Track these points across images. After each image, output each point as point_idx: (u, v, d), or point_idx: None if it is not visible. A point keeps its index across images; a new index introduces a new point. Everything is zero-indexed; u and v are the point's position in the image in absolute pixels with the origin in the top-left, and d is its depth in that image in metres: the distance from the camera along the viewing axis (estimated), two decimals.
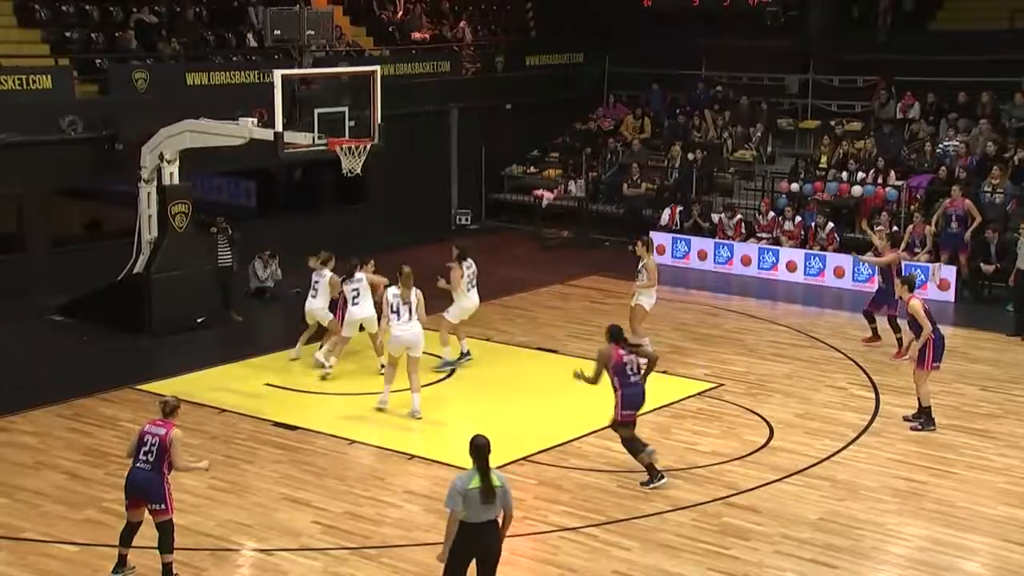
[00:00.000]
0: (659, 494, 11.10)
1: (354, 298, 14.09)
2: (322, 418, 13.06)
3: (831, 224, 19.74)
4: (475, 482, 8.05)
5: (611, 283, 19.14)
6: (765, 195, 21.08)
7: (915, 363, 12.87)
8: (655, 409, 13.28)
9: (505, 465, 11.66)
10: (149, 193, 16.50)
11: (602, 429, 12.63)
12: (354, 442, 12.39)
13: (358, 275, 14.11)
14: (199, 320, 16.38)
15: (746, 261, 20.02)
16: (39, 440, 12.39)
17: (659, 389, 13.99)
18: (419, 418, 12.86)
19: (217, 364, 14.94)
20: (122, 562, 9.38)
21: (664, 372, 14.75)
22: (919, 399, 12.90)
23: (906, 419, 12.94)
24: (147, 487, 9.12)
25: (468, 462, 11.44)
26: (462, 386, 14.20)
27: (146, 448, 9.16)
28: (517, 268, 20.22)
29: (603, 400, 13.64)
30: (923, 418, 12.86)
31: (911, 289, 13.06)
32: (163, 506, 9.09)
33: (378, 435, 12.60)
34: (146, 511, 9.21)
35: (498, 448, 12.13)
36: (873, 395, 13.95)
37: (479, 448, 8.17)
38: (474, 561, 8.13)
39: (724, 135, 23.52)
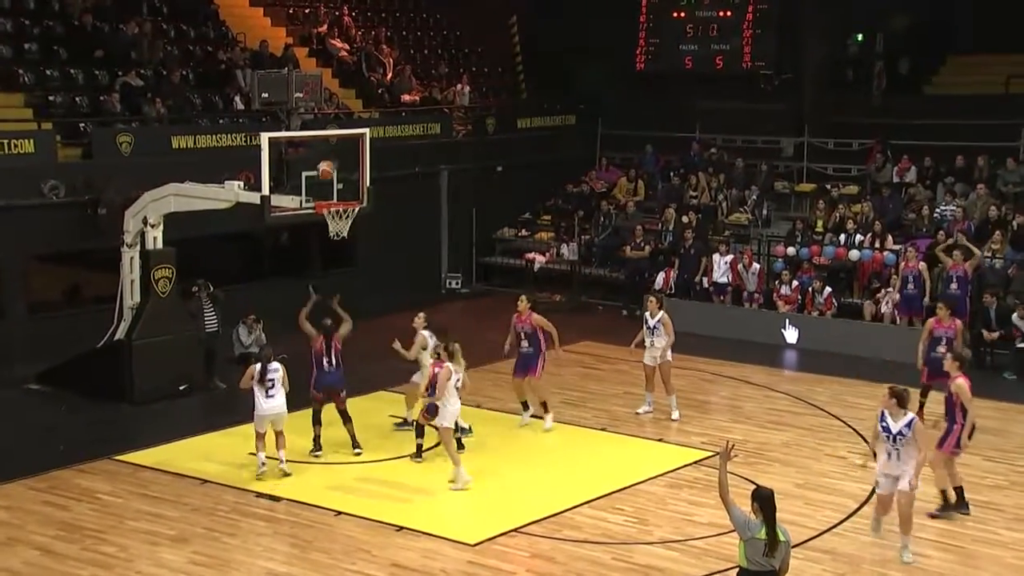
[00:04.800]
0: (655, 568, 10.98)
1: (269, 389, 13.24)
2: (308, 488, 12.95)
3: (828, 288, 19.81)
4: (761, 533, 8.17)
5: (604, 348, 19.11)
6: (760, 257, 21.12)
7: (938, 445, 12.17)
8: (651, 478, 13.26)
9: (496, 536, 11.60)
10: (132, 258, 16.50)
11: (596, 499, 12.55)
12: (340, 513, 12.27)
13: (274, 364, 13.32)
14: (182, 387, 16.30)
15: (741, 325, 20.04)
16: (12, 515, 12.22)
17: (655, 457, 14.04)
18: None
19: (199, 433, 14.83)
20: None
21: (660, 440, 14.78)
22: (941, 488, 12.25)
23: (933, 516, 12.19)
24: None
25: (460, 534, 11.31)
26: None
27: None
28: (507, 333, 20.13)
29: (597, 469, 13.63)
30: (949, 505, 12.22)
31: (962, 367, 12.43)
32: None
33: (365, 506, 12.48)
34: None
35: (488, 519, 12.13)
36: (875, 465, 13.81)
37: (766, 499, 8.24)
38: None
39: (719, 198, 23.66)
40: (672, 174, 25.00)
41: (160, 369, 16.14)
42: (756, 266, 20.62)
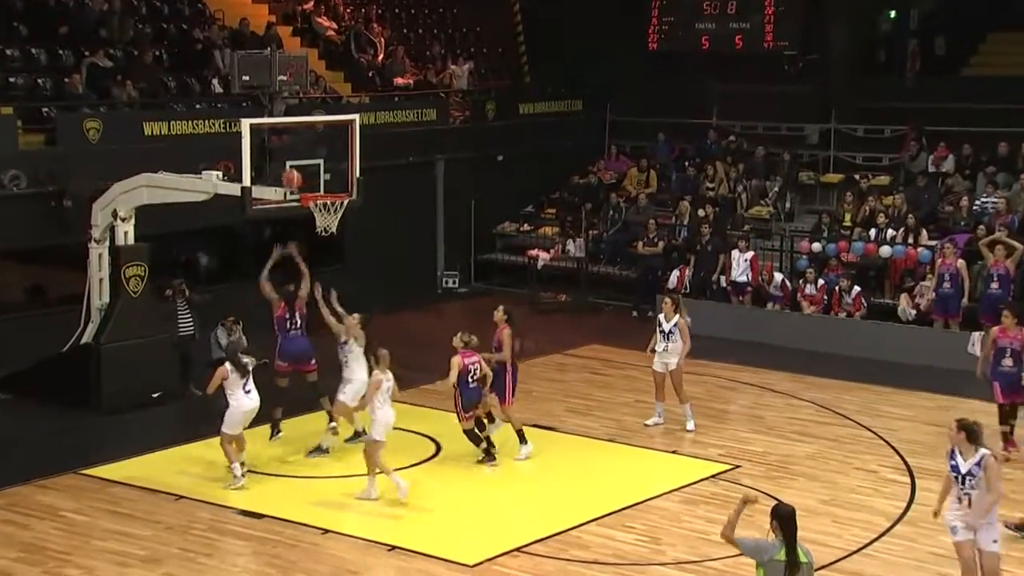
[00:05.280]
0: None
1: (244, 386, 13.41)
2: (292, 504, 12.95)
3: (857, 288, 19.80)
4: (780, 554, 8.13)
5: (613, 352, 19.13)
6: (782, 254, 21.16)
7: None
8: (664, 493, 13.29)
9: (497, 557, 11.62)
10: (100, 254, 16.51)
11: (605, 516, 12.57)
12: (328, 531, 12.28)
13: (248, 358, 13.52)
14: (155, 395, 16.31)
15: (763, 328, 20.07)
16: None
17: (669, 471, 14.07)
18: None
19: (174, 444, 14.84)
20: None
21: (674, 452, 14.81)
22: None
23: (1009, 527, 11.88)
24: None
25: (458, 554, 11.33)
26: (448, 468, 14.13)
27: None
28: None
29: (605, 483, 13.66)
30: None
31: None
32: None
33: (355, 523, 12.50)
34: None
35: (488, 537, 12.15)
36: (908, 479, 13.89)
37: (786, 518, 8.20)
38: None
39: (738, 189, 23.65)
40: (687, 164, 24.99)
41: (131, 375, 16.15)
42: (779, 277, 20.53)
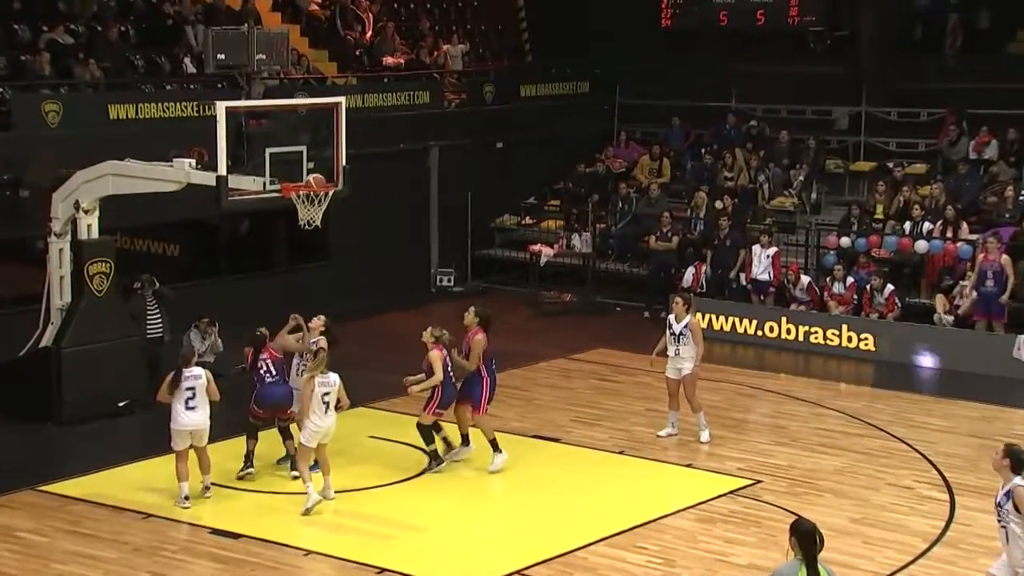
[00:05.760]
0: None
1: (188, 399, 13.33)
2: (271, 523, 12.92)
3: (890, 287, 19.77)
4: (801, 574, 8.17)
5: (623, 357, 19.09)
6: (808, 249, 21.12)
7: None
8: (678, 511, 13.25)
9: None
10: (61, 249, 16.48)
11: (614, 536, 12.54)
12: (310, 552, 12.25)
13: (195, 370, 13.37)
14: (121, 404, 16.28)
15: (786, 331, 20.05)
16: None
17: (684, 486, 14.06)
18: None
19: (142, 458, 14.76)
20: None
21: (689, 466, 14.79)
22: None
23: None
24: None
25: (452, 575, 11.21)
26: (443, 483, 14.09)
27: None
28: (509, 339, 20.05)
29: (614, 499, 13.62)
30: None
31: None
32: None
33: (340, 544, 12.46)
34: None
35: (485, 559, 12.11)
36: (947, 497, 13.84)
37: (805, 535, 8.25)
38: None
39: (759, 179, 23.64)
40: (704, 151, 24.96)
41: (95, 382, 16.11)
42: (805, 280, 20.48)
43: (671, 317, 15.52)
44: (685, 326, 15.32)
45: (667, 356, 15.49)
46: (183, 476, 13.27)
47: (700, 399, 15.57)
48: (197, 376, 13.27)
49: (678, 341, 15.36)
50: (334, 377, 13.13)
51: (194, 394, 13.21)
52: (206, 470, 13.45)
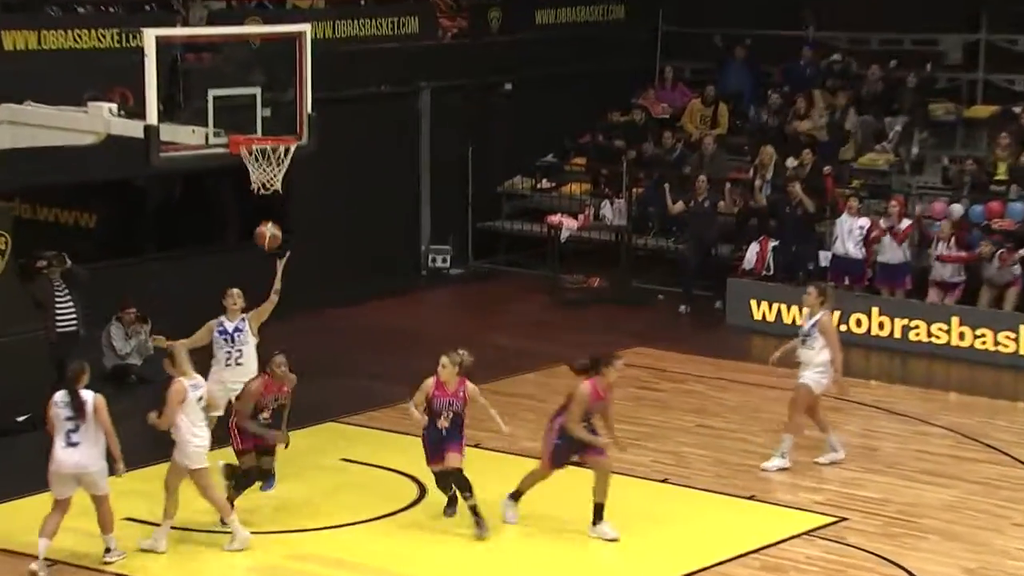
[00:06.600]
0: None
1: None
2: (212, 571, 12.94)
3: (1019, 266, 19.75)
4: None
5: (668, 359, 19.19)
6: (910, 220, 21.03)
7: None
8: (739, 556, 13.26)
9: None
10: None
11: None
12: None
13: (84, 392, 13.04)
14: (20, 419, 16.30)
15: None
16: None
17: (748, 524, 14.15)
18: None
19: (46, 488, 14.60)
20: None
21: (751, 497, 14.78)
22: None
23: None
24: None
25: None
26: (437, 519, 14.07)
27: None
28: (521, 335, 20.21)
29: (658, 540, 13.55)
30: None
31: None
32: None
33: None
34: None
35: None
36: None
37: None
38: None
39: (845, 129, 23.58)
40: (771, 93, 24.85)
41: None
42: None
43: (807, 311, 15.52)
44: (814, 324, 15.30)
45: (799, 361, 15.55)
46: (47, 532, 12.68)
47: (800, 421, 15.47)
48: (84, 400, 12.63)
49: (803, 343, 15.36)
50: (199, 379, 13.25)
51: (76, 425, 12.58)
52: (107, 528, 12.96)
